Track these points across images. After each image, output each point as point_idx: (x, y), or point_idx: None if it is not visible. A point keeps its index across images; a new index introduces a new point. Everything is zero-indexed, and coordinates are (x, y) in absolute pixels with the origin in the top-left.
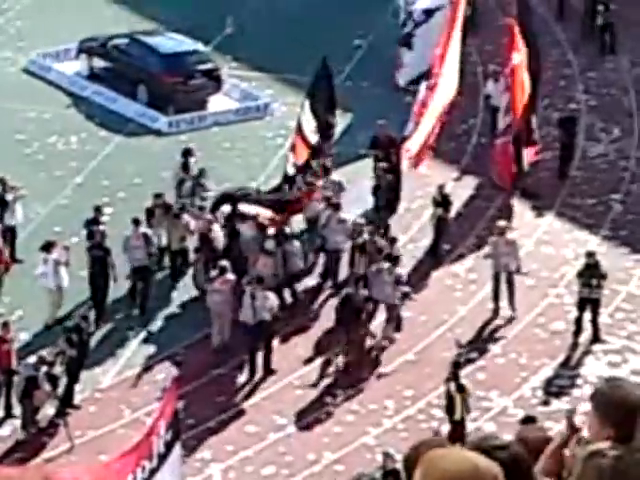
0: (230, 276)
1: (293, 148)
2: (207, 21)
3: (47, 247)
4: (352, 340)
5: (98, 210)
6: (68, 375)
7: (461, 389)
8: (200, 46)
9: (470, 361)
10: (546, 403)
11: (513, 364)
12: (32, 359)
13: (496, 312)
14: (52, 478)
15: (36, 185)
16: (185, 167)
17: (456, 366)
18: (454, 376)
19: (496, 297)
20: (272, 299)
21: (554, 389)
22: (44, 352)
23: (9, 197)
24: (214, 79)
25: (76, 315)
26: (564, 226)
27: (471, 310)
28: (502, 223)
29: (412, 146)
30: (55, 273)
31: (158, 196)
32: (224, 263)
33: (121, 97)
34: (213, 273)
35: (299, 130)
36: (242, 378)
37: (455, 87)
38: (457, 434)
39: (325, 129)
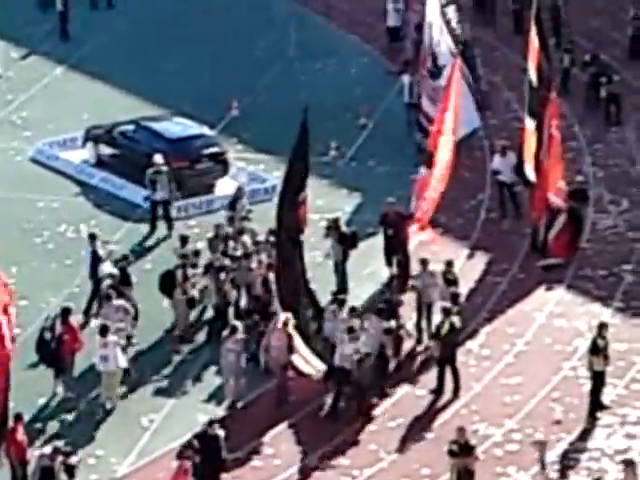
0: (240, 335)
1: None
2: (212, 105)
3: (103, 331)
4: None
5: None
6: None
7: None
8: (206, 130)
9: (487, 437)
10: (564, 478)
11: (530, 439)
12: (47, 449)
13: (419, 341)
14: None
15: (47, 274)
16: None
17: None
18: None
19: (419, 327)
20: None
21: (571, 463)
22: (60, 443)
23: (101, 252)
24: (221, 163)
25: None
26: (576, 298)
27: (486, 386)
28: (424, 256)
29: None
30: (115, 355)
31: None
32: (235, 323)
33: (129, 183)
34: (225, 332)
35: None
36: (257, 461)
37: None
38: None
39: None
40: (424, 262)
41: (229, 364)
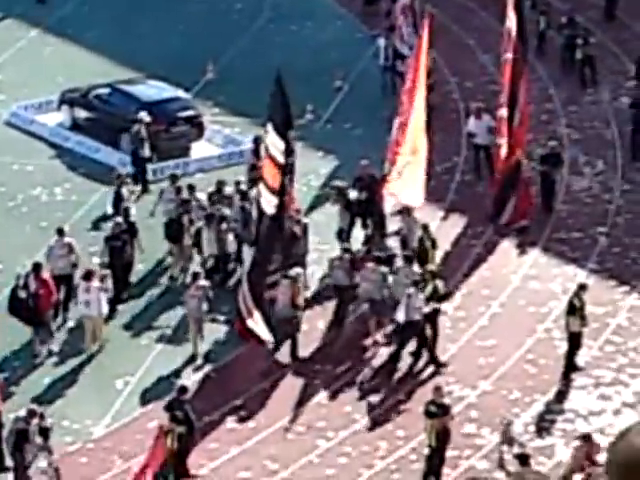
0: (202, 282)
1: (261, 175)
2: (187, 67)
3: (87, 276)
4: None
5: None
6: (180, 451)
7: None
8: (181, 93)
9: (461, 399)
10: (538, 438)
11: (504, 400)
12: (23, 412)
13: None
14: None
15: (22, 237)
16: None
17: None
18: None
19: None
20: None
21: (546, 424)
22: (34, 405)
23: (125, 192)
24: (196, 126)
25: (174, 387)
26: (551, 261)
27: (461, 347)
28: (410, 205)
29: (396, 188)
30: (98, 300)
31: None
32: (197, 269)
33: (104, 146)
34: (187, 280)
35: (267, 152)
36: (233, 424)
37: (424, 126)
38: None
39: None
40: (408, 209)
41: (191, 310)
